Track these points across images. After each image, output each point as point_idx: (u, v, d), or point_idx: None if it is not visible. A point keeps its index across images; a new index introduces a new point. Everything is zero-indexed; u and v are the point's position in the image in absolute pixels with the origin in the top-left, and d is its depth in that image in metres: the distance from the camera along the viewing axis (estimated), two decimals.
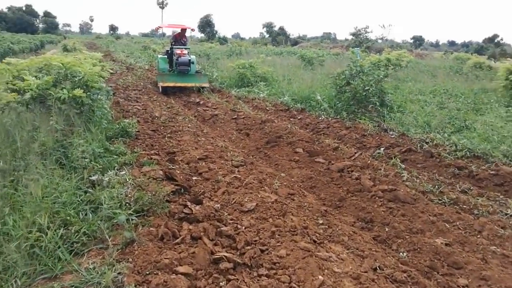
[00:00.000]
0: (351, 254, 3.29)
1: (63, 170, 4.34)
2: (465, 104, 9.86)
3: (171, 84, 12.08)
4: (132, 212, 3.46)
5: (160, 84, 12.13)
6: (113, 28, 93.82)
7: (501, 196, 4.45)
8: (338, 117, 8.51)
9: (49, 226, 3.06)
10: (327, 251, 3.22)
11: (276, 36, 67.99)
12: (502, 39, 77.14)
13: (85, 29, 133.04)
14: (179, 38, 13.80)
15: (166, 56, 13.72)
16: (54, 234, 3.01)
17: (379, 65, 14.60)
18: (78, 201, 3.62)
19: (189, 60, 12.24)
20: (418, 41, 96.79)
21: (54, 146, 4.78)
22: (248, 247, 3.20)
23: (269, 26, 71.87)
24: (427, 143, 6.34)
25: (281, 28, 72.08)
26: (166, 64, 13.56)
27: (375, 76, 8.82)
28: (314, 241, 3.37)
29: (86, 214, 3.44)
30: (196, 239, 3.32)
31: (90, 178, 4.22)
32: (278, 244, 3.27)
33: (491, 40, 75.45)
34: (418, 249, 3.40)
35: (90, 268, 2.72)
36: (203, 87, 12.39)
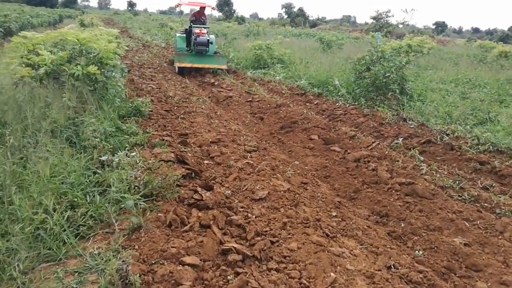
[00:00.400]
0: (364, 250, 3.15)
1: (73, 149, 4.27)
2: (489, 95, 9.50)
3: (188, 65, 11.68)
4: (140, 197, 3.37)
5: (177, 64, 11.70)
6: (131, 5, 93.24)
7: None
8: (356, 103, 8.27)
9: (55, 208, 2.99)
10: (340, 246, 3.09)
11: (295, 17, 66.70)
12: None
13: (103, 4, 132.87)
14: (198, 17, 13.28)
15: (184, 35, 13.20)
16: (60, 216, 2.94)
17: (400, 51, 14.16)
18: (86, 182, 3.55)
19: (208, 40, 11.72)
20: (440, 27, 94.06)
21: (66, 123, 4.71)
22: (258, 238, 3.09)
23: (288, 7, 70.43)
24: (447, 134, 6.10)
25: (300, 9, 70.57)
26: (184, 43, 13.05)
27: (397, 62, 8.49)
28: (327, 235, 3.25)
29: (94, 196, 3.36)
30: (205, 227, 3.22)
31: (100, 158, 4.15)
32: (289, 236, 3.16)
33: None
34: (435, 248, 3.25)
35: (95, 254, 2.65)
36: (221, 69, 12.01)
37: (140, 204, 3.31)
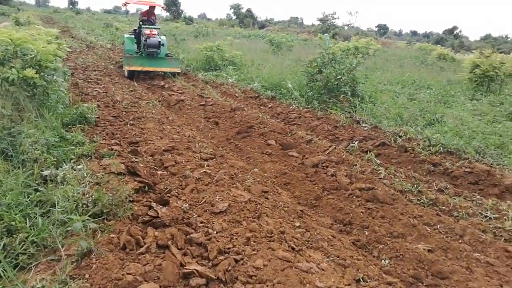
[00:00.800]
0: (332, 263, 3.06)
1: (9, 163, 3.84)
2: (433, 96, 9.91)
3: (139, 68, 10.93)
4: (89, 217, 3.05)
5: (126, 68, 10.90)
6: (72, 2, 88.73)
7: (477, 196, 4.37)
8: (309, 106, 8.28)
9: None
10: (307, 261, 2.97)
11: (243, 18, 66.81)
12: (460, 31, 79.67)
13: (41, 1, 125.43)
14: (148, 16, 12.55)
15: (133, 36, 12.35)
16: None
17: (348, 53, 14.49)
18: (26, 202, 3.17)
19: (159, 41, 11.06)
20: (382, 30, 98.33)
21: (0, 135, 4.23)
22: (222, 257, 2.89)
23: (236, 8, 70.38)
24: (400, 136, 6.23)
25: (249, 10, 70.82)
26: (133, 45, 12.17)
27: (347, 64, 8.62)
28: (293, 248, 3.11)
29: (35, 218, 3.00)
30: (163, 247, 2.98)
31: (41, 173, 3.75)
32: (254, 252, 2.99)
33: (451, 31, 77.72)
34: (401, 256, 3.23)
35: (37, 287, 2.33)
36: (173, 73, 11.38)
37: (89, 225, 3.00)
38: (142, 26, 11.62)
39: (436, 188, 4.56)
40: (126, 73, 11.10)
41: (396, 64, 17.13)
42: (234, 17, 70.72)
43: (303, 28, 70.73)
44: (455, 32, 77.28)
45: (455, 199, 4.27)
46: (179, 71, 11.65)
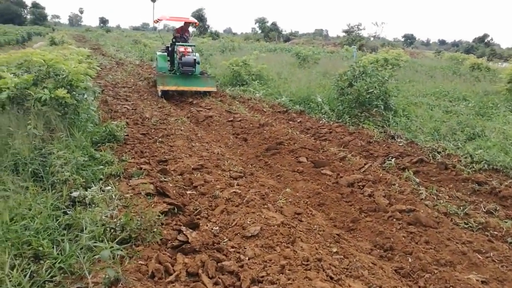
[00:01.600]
0: None
1: (39, 185, 3.80)
2: (470, 109, 9.47)
3: (173, 88, 10.46)
4: (117, 243, 2.93)
5: (160, 88, 10.38)
6: (103, 21, 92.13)
7: None
8: (340, 121, 8.04)
9: (14, 263, 2.52)
10: None
11: (269, 32, 67.24)
12: (492, 39, 77.46)
13: (74, 21, 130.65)
14: (181, 33, 12.06)
15: (166, 54, 11.89)
16: (21, 274, 2.48)
17: (377, 65, 14.18)
18: (54, 226, 3.10)
19: (195, 59, 10.49)
20: (409, 40, 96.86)
21: (31, 155, 4.22)
22: (255, 287, 2.70)
23: (261, 22, 70.94)
24: (439, 152, 5.90)
25: (274, 24, 71.25)
26: (166, 63, 11.70)
27: (379, 77, 8.36)
28: (331, 278, 2.89)
29: (63, 243, 2.91)
30: (193, 275, 2.82)
31: (70, 194, 3.70)
32: (290, 282, 2.78)
33: (481, 40, 75.67)
34: (451, 287, 2.94)
35: None
36: (209, 92, 10.84)
37: (117, 251, 2.88)
38: (176, 43, 11.25)
39: (484, 210, 4.23)
40: (159, 93, 10.57)
41: (426, 75, 16.64)
42: (259, 31, 71.29)
43: (328, 40, 70.60)
44: (486, 40, 75.20)
45: (506, 222, 3.93)
46: (215, 90, 11.15)
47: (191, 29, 13.25)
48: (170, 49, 11.70)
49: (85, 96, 5.98)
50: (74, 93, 5.59)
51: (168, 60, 11.67)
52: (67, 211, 3.36)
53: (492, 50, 54.90)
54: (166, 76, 10.77)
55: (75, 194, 3.68)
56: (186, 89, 10.59)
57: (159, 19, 12.09)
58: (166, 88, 10.38)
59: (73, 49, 7.95)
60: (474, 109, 9.33)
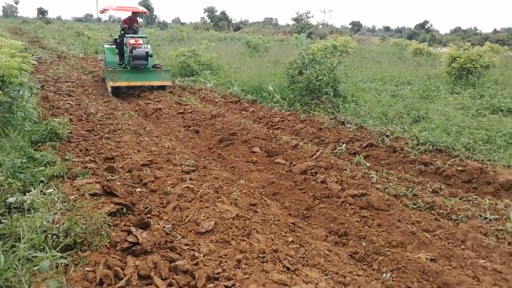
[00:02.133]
0: (331, 281, 2.82)
1: None
2: (415, 92, 9.84)
3: (124, 84, 9.56)
4: (59, 250, 2.73)
5: (110, 84, 9.52)
6: (42, 12, 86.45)
7: (473, 196, 4.21)
8: (291, 109, 8.08)
9: None
10: (305, 281, 2.72)
11: (218, 21, 66.33)
12: (431, 25, 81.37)
13: (9, 12, 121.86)
14: (130, 24, 11.16)
15: (114, 46, 10.98)
16: None
17: (326, 52, 14.38)
18: None
19: (147, 52, 9.70)
20: (356, 27, 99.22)
21: None
22: (211, 285, 2.62)
23: (210, 11, 69.76)
24: (387, 136, 6.07)
25: (223, 13, 70.34)
26: (115, 57, 10.81)
27: (328, 64, 8.45)
28: (288, 268, 2.86)
29: None
30: (145, 278, 2.69)
31: (6, 200, 3.40)
32: (247, 276, 2.72)
33: (422, 26, 79.20)
34: (403, 268, 3.01)
35: None
36: (164, 86, 10.14)
37: (60, 259, 2.68)
38: (126, 35, 10.35)
39: (431, 190, 4.39)
40: (109, 90, 9.78)
41: (373, 61, 17.12)
42: (208, 21, 70.19)
43: (278, 28, 70.83)
44: (426, 26, 78.80)
45: (450, 200, 4.10)
46: (171, 84, 10.41)
47: (140, 19, 12.58)
48: (118, 41, 10.85)
49: (21, 92, 5.55)
50: (7, 89, 5.16)
51: (117, 53, 10.85)
52: (1, 220, 3.09)
53: (432, 36, 57.56)
54: (116, 71, 9.85)
55: (11, 200, 3.38)
56: (139, 84, 9.82)
57: (105, 9, 11.29)
58: (117, 84, 9.54)
59: (5, 42, 7.35)
60: (418, 92, 9.71)
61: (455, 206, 3.93)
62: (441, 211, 3.88)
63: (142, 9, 11.43)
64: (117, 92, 9.69)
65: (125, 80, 9.55)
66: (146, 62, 9.74)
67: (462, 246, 3.30)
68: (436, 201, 4.01)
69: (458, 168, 4.75)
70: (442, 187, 4.42)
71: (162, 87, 10.12)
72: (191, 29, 52.57)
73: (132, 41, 9.87)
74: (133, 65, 9.67)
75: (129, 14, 11.28)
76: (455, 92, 9.91)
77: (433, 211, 3.89)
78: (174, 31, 32.39)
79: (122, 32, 10.86)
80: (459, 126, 6.33)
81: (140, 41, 9.99)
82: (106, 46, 11.29)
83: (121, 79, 9.56)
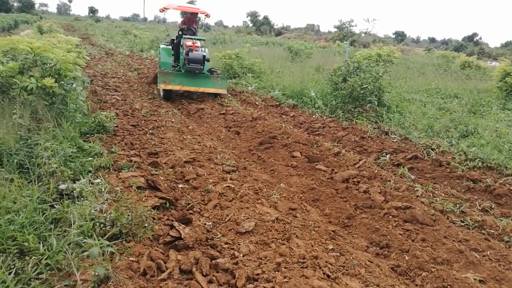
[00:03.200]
0: None
1: (25, 176, 3.65)
2: (461, 106, 9.49)
3: (177, 87, 8.95)
4: (107, 238, 2.81)
5: (162, 86, 8.83)
6: (92, 11, 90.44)
7: None
8: (333, 116, 7.99)
9: None
10: None
11: (260, 26, 66.83)
12: (480, 38, 78.23)
13: (63, 10, 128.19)
14: (188, 25, 10.57)
15: (170, 47, 10.41)
16: (5, 271, 2.36)
17: (370, 60, 14.14)
18: (41, 220, 2.96)
19: (204, 56, 9.01)
20: (400, 36, 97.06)
21: (16, 146, 4.06)
22: (250, 285, 2.62)
23: (253, 15, 70.42)
24: (433, 149, 5.87)
25: (265, 18, 70.81)
26: (170, 58, 10.28)
27: (373, 73, 8.30)
28: (328, 276, 2.82)
29: (50, 238, 2.78)
30: (186, 272, 2.72)
31: (58, 187, 3.55)
32: (286, 280, 2.70)
33: (470, 38, 76.33)
34: (448, 286, 2.89)
35: None
36: (218, 94, 9.43)
37: (107, 247, 2.76)
38: (183, 36, 9.73)
39: (480, 208, 4.20)
40: (161, 93, 9.18)
41: (418, 72, 16.67)
42: (250, 25, 70.85)
43: (319, 35, 70.49)
44: (475, 39, 75.84)
45: (502, 220, 3.90)
46: (226, 92, 9.63)
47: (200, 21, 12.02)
48: (175, 42, 10.27)
49: (74, 86, 5.80)
50: (62, 82, 5.40)
51: (173, 55, 10.32)
52: (54, 205, 3.22)
53: (481, 49, 55.38)
54: (169, 74, 9.10)
55: (62, 186, 3.54)
56: (192, 89, 9.16)
57: (165, 8, 10.42)
58: (169, 87, 8.86)
59: (62, 38, 7.72)
60: (466, 106, 9.35)
61: (507, 227, 3.73)
62: (491, 231, 3.70)
63: (203, 10, 10.68)
64: (168, 96, 9.11)
65: (178, 83, 8.93)
66: (202, 67, 9.07)
67: None
68: (486, 220, 3.83)
69: (511, 188, 4.51)
70: (492, 206, 4.21)
71: (217, 95, 9.44)
72: (233, 32, 53.27)
73: (189, 42, 9.27)
74: (188, 68, 8.99)
75: (189, 14, 10.89)
76: (507, 108, 9.48)
77: (482, 231, 3.72)
78: (216, 33, 32.91)
79: (180, 33, 10.30)
80: (511, 144, 6.03)
81: (198, 43, 9.39)
82: (161, 46, 10.80)
83: (174, 82, 8.92)
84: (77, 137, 4.97)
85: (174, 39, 10.38)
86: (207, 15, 10.66)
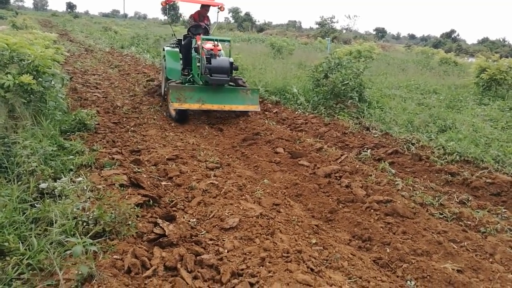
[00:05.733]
0: (354, 284, 2.80)
1: (4, 176, 3.57)
2: (440, 101, 9.69)
3: (195, 106, 6.77)
4: (90, 237, 2.78)
5: (175, 106, 6.67)
6: (70, 6, 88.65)
7: (503, 209, 4.11)
8: (315, 112, 8.05)
9: None
10: (328, 283, 2.71)
11: (242, 22, 66.72)
12: (458, 35, 79.73)
13: (39, 5, 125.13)
14: (198, 19, 8.48)
15: (177, 50, 8.33)
16: None
17: (350, 57, 14.30)
18: (21, 220, 2.91)
19: (231, 63, 6.98)
20: (380, 33, 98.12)
21: None
22: (235, 281, 2.64)
23: (235, 11, 70.27)
24: (413, 144, 5.99)
25: (247, 14, 70.75)
26: (179, 64, 8.10)
27: (354, 69, 8.40)
28: (312, 269, 2.85)
29: (31, 238, 2.74)
30: (171, 269, 2.72)
31: (38, 186, 3.49)
32: (270, 275, 2.73)
33: (449, 35, 77.73)
34: (428, 276, 2.97)
35: None
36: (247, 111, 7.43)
37: (90, 245, 2.73)
38: (202, 37, 7.26)
39: (457, 200, 4.31)
40: (173, 115, 7.08)
41: (398, 68, 16.94)
42: (232, 21, 70.61)
43: (301, 31, 70.72)
44: (453, 36, 77.29)
45: (478, 212, 4.02)
46: (259, 109, 7.53)
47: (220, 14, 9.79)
48: (184, 43, 8.24)
49: (53, 83, 5.69)
50: (41, 79, 5.30)
51: (181, 59, 8.24)
52: (35, 204, 3.18)
53: (459, 46, 56.50)
54: (184, 89, 6.86)
55: (43, 185, 3.48)
56: (216, 107, 6.95)
57: (168, 0, 8.29)
58: (185, 106, 6.73)
59: (39, 34, 7.56)
60: (444, 102, 9.56)
61: (484, 218, 3.85)
62: (468, 222, 3.81)
63: (216, 1, 8.44)
64: (184, 117, 7.05)
65: (196, 101, 6.78)
66: (229, 78, 6.95)
67: (491, 259, 3.23)
68: (464, 212, 3.94)
69: (487, 181, 4.65)
70: (469, 199, 4.33)
71: (243, 112, 7.42)
72: (215, 28, 52.99)
73: (209, 45, 7.13)
74: (210, 80, 6.76)
75: (198, 8, 8.63)
76: (483, 103, 9.73)
77: (460, 222, 3.82)
78: None
79: (190, 31, 8.11)
80: (487, 138, 6.20)
81: (220, 46, 7.37)
82: (166, 48, 8.57)
83: (191, 99, 6.76)
84: (57, 135, 4.89)
85: (181, 39, 8.50)
86: (221, 8, 8.42)
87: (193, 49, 7.78)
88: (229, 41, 7.46)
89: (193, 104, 6.76)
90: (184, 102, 6.71)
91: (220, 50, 7.33)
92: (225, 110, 7.10)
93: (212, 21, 9.03)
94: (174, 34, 9.28)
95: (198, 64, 7.30)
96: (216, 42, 7.10)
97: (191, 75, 7.93)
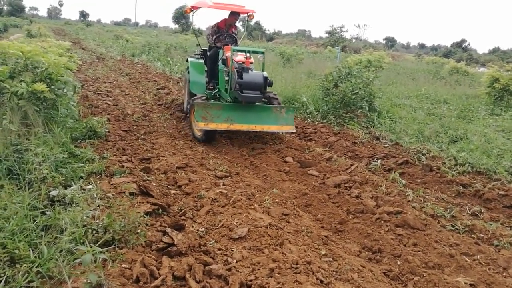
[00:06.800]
0: None
1: (16, 182, 3.61)
2: (450, 111, 9.61)
3: (223, 126, 6.04)
4: (99, 245, 2.79)
5: (200, 126, 5.96)
6: (83, 15, 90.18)
7: None
8: (325, 121, 8.03)
9: None
10: None
11: (252, 31, 67.11)
12: (469, 44, 79.19)
13: (53, 14, 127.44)
14: (226, 29, 7.63)
15: (202, 61, 7.61)
16: None
17: (360, 66, 14.27)
18: (32, 227, 2.92)
19: (265, 77, 6.20)
20: (390, 42, 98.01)
21: (6, 152, 4.01)
22: None
23: (245, 20, 70.73)
24: (423, 154, 5.94)
25: (257, 23, 71.13)
26: (202, 77, 7.40)
27: (364, 79, 8.38)
28: (321, 281, 2.83)
29: (41, 245, 2.75)
30: (179, 279, 2.71)
31: (49, 193, 3.52)
32: (279, 286, 2.70)
33: (459, 44, 77.28)
34: None
35: None
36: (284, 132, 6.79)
37: (99, 253, 2.74)
38: (233, 48, 6.36)
39: (470, 212, 4.25)
40: (198, 135, 6.44)
41: (408, 78, 16.86)
42: (242, 30, 71.07)
43: (311, 40, 70.90)
44: (463, 45, 76.82)
45: (491, 224, 3.95)
46: (294, 130, 6.73)
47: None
48: (209, 54, 7.54)
49: (65, 90, 5.77)
50: (53, 87, 5.37)
51: (206, 71, 7.52)
52: (46, 211, 3.19)
53: (469, 55, 56.14)
54: (211, 107, 6.09)
55: (54, 193, 3.50)
56: (246, 128, 6.19)
57: (193, 7, 7.68)
58: (212, 126, 6.00)
59: (53, 42, 7.68)
60: (455, 112, 9.48)
61: (497, 231, 3.79)
62: (481, 235, 3.74)
63: (246, 9, 7.41)
64: (211, 138, 6.38)
65: (224, 120, 6.04)
66: (262, 95, 6.23)
67: (504, 274, 3.16)
68: (476, 225, 3.88)
69: (500, 192, 4.58)
70: (482, 211, 4.27)
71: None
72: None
73: (240, 57, 6.38)
74: (241, 97, 5.98)
75: (226, 15, 7.69)
76: (495, 113, 9.62)
77: (472, 235, 3.76)
78: None
79: (216, 40, 7.40)
80: (500, 149, 6.12)
81: (252, 59, 6.55)
82: (190, 59, 7.82)
83: (219, 119, 6.02)
84: (68, 142, 4.93)
85: (206, 50, 7.81)
86: (250, 16, 7.49)
87: (220, 61, 7.01)
88: (263, 52, 6.62)
89: (221, 124, 6.02)
90: (211, 122, 5.97)
91: (252, 63, 6.52)
92: (256, 130, 6.39)
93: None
94: (199, 44, 8.43)
95: (226, 78, 6.53)
96: (248, 54, 6.33)
97: (217, 90, 7.23)
